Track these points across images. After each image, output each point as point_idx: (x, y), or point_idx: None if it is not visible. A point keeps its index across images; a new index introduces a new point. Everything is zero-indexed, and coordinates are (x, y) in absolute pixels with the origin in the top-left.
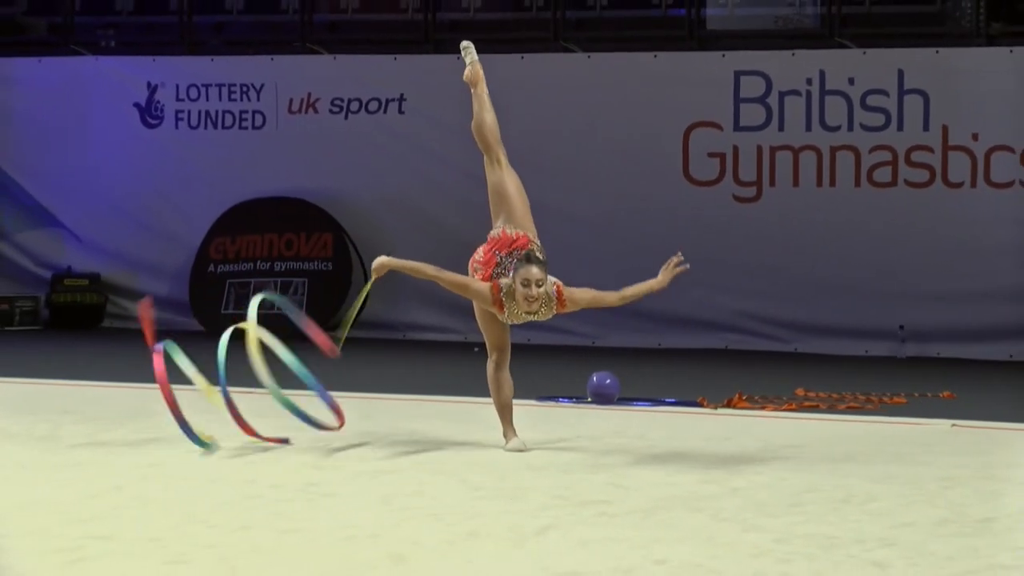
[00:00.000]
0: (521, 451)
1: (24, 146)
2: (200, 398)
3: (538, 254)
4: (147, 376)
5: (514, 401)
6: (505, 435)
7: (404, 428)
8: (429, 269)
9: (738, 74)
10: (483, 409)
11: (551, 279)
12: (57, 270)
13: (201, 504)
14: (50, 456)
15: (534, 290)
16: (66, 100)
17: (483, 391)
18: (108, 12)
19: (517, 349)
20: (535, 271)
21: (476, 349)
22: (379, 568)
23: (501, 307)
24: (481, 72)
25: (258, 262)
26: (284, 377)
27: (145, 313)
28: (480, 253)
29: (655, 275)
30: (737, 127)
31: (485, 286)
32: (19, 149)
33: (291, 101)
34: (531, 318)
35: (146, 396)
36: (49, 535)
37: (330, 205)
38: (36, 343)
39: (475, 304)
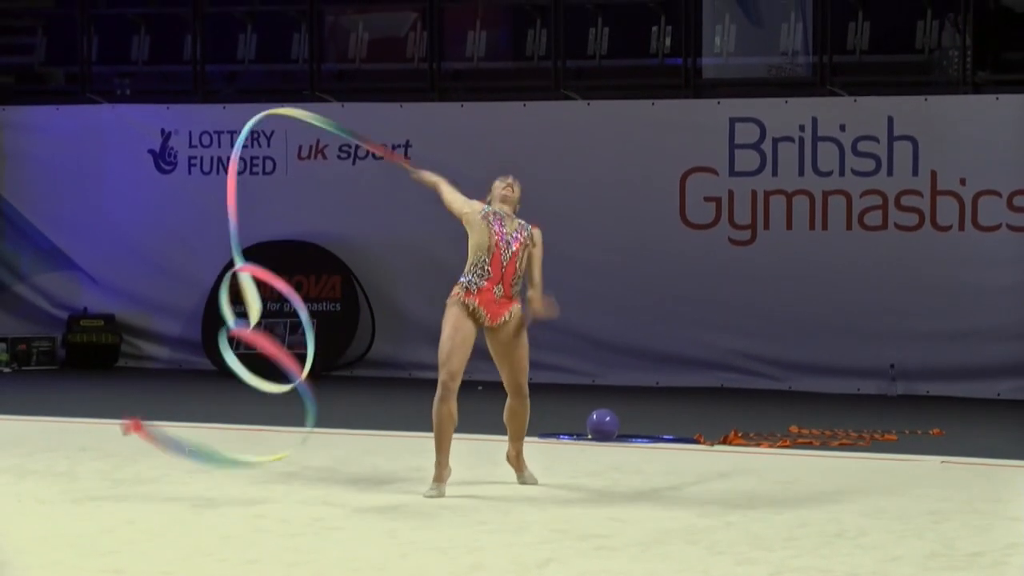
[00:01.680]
0: (436, 497)
1: (42, 191)
2: None
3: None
4: (161, 415)
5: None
6: (435, 475)
7: (408, 464)
8: (442, 186)
9: (733, 121)
10: (487, 446)
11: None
12: (73, 311)
13: (210, 538)
14: (67, 492)
15: (511, 191)
16: (83, 147)
17: (486, 428)
18: (123, 62)
19: None
20: (510, 178)
21: (480, 388)
22: None
23: (488, 223)
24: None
25: (268, 303)
26: None
27: None
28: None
29: (652, 315)
30: (732, 172)
31: (477, 204)
32: (37, 194)
33: (300, 147)
34: (509, 221)
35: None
36: (66, 568)
37: (338, 248)
38: (53, 382)
39: (446, 320)
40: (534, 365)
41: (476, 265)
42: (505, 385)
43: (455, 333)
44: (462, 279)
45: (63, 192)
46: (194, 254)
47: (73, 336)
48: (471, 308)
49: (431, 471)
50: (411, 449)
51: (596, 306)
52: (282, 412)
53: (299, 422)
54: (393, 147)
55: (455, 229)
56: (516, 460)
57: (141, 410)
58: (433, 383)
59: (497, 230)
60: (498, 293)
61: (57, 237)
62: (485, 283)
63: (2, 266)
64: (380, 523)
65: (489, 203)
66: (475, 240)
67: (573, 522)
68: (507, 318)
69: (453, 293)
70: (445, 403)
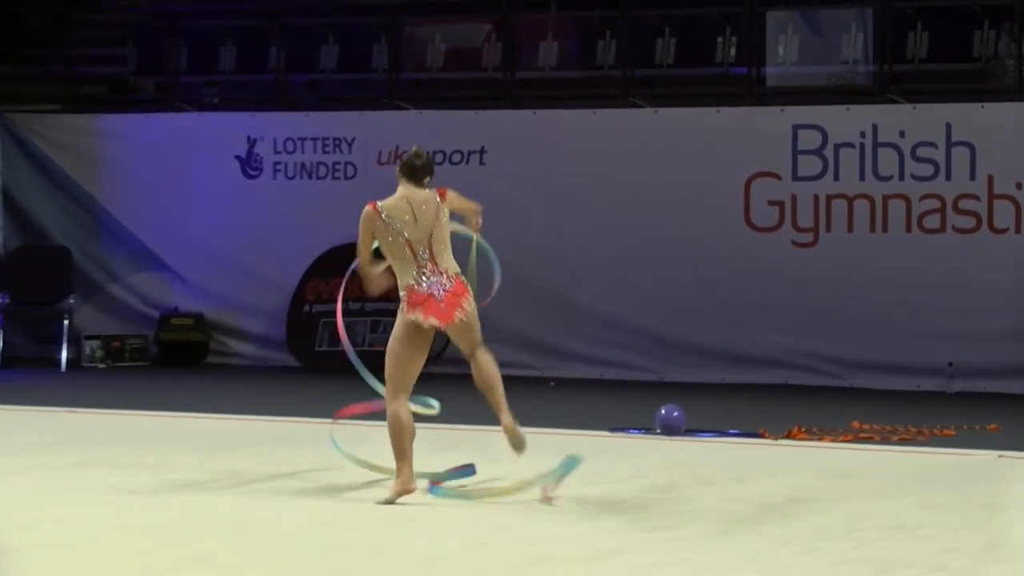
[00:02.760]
0: (389, 504)
1: (134, 196)
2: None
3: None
4: (248, 409)
5: (589, 432)
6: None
7: (485, 457)
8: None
9: (796, 127)
10: (557, 439)
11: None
12: (164, 310)
13: (295, 527)
14: (158, 483)
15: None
16: (172, 153)
17: (559, 423)
18: (211, 72)
19: (590, 384)
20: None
21: (552, 384)
22: None
23: (379, 214)
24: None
25: (350, 302)
26: None
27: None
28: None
29: (717, 315)
30: (795, 177)
31: (364, 210)
32: (129, 199)
33: (380, 153)
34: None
35: (247, 428)
36: (156, 556)
37: None
38: (145, 378)
39: (394, 334)
40: (604, 363)
41: (403, 273)
42: (465, 351)
43: (400, 350)
44: (414, 284)
45: (154, 196)
46: (278, 257)
47: (164, 334)
48: (419, 322)
49: (504, 463)
50: (486, 443)
51: (663, 306)
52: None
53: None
54: (468, 152)
55: (526, 234)
56: (513, 428)
57: (229, 404)
58: (507, 381)
59: (404, 235)
60: (438, 296)
61: (149, 239)
62: (422, 284)
63: (97, 267)
64: (457, 512)
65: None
66: (387, 251)
67: (641, 513)
68: (462, 317)
69: (401, 305)
70: (402, 414)
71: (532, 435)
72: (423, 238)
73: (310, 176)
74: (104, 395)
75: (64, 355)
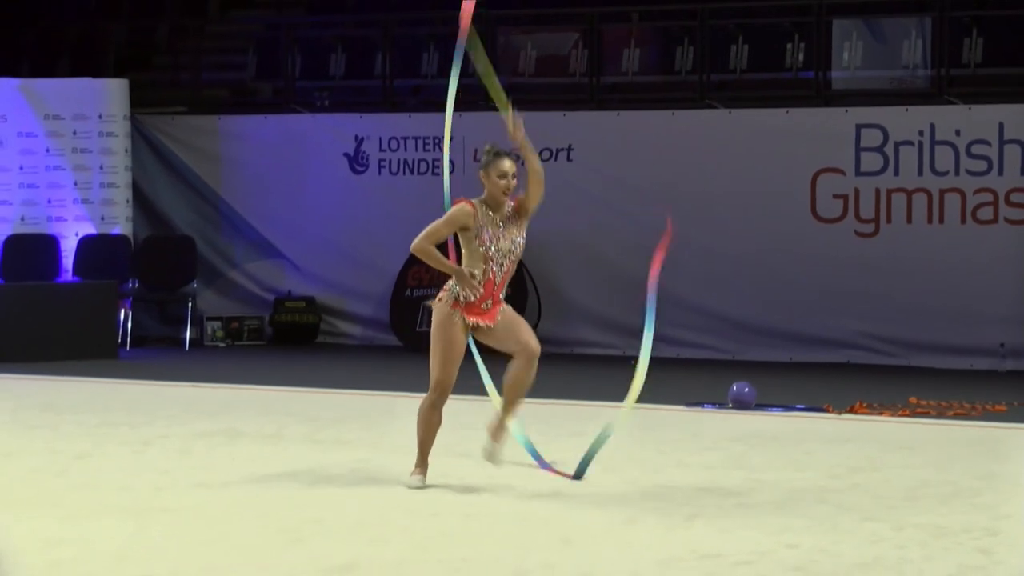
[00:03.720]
0: (419, 488)
1: (252, 190)
2: None
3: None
4: (355, 385)
5: (667, 407)
6: (417, 466)
7: (570, 429)
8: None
9: (859, 127)
10: (641, 414)
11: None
12: (279, 294)
13: (397, 493)
14: (276, 452)
15: (511, 181)
16: (287, 151)
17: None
18: (323, 77)
19: (665, 362)
20: (507, 163)
21: (632, 362)
22: (551, 548)
23: (476, 216)
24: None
25: (413, 289)
26: None
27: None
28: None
29: (786, 300)
30: (858, 172)
31: (459, 205)
32: (248, 193)
33: (476, 151)
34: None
35: (354, 401)
36: (273, 519)
37: None
38: (261, 356)
39: (438, 330)
40: (681, 343)
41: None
42: (514, 349)
43: (449, 348)
44: (456, 288)
45: (270, 191)
46: (382, 246)
47: (279, 316)
48: (461, 319)
49: (591, 435)
50: (572, 416)
51: (736, 292)
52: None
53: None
54: (557, 150)
55: (611, 225)
56: (500, 430)
57: (337, 380)
58: (593, 359)
59: (491, 250)
60: (485, 307)
61: (265, 230)
62: (475, 298)
63: (218, 255)
64: (547, 481)
65: (482, 200)
66: (467, 254)
67: (715, 482)
68: (499, 318)
69: (443, 298)
70: (437, 410)
71: (613, 408)
72: (504, 255)
73: (412, 172)
74: (224, 371)
75: (188, 335)
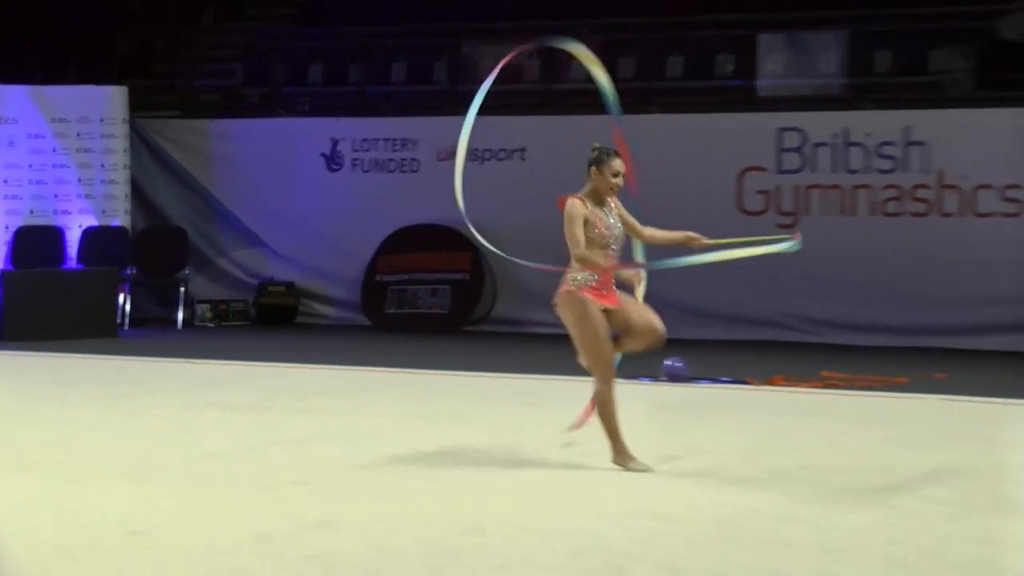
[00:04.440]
0: (647, 470)
1: (239, 186)
2: None
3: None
4: (330, 361)
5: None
6: (623, 454)
7: (525, 400)
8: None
9: (781, 130)
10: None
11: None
12: (262, 279)
13: (370, 456)
14: (260, 420)
15: (620, 180)
16: (271, 151)
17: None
18: (304, 84)
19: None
20: (619, 163)
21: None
22: (505, 504)
23: (588, 208)
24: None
25: (413, 273)
26: None
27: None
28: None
29: (714, 283)
30: (780, 171)
31: (572, 201)
32: (236, 189)
33: (438, 151)
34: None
35: (332, 375)
36: (258, 480)
37: (468, 231)
38: (246, 335)
39: (582, 318)
40: None
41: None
42: (642, 327)
43: (598, 329)
44: (580, 276)
45: (256, 187)
46: (355, 236)
47: (262, 299)
48: (594, 302)
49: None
50: (527, 390)
51: (671, 277)
52: (431, 358)
53: (446, 366)
54: (512, 151)
55: (559, 218)
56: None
57: (315, 356)
58: (543, 337)
59: (608, 238)
60: (605, 291)
61: (251, 221)
62: (595, 282)
63: (208, 244)
64: (500, 450)
65: (586, 194)
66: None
67: (651, 448)
68: (620, 299)
69: (574, 287)
70: (612, 392)
71: (560, 382)
72: (616, 240)
73: (382, 170)
74: (213, 349)
75: (180, 316)
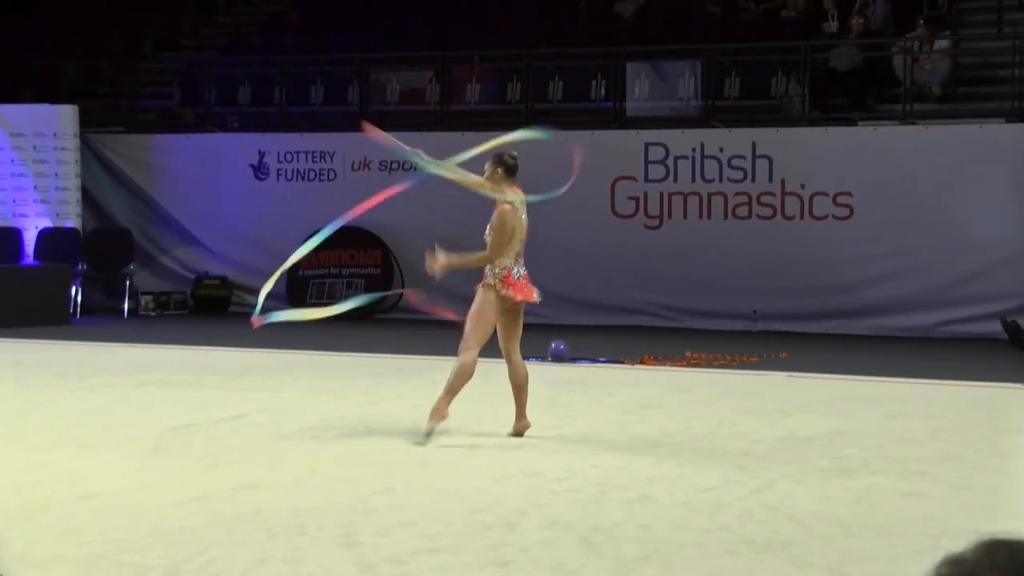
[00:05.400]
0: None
1: (178, 193)
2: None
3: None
4: (259, 344)
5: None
6: (438, 413)
7: (429, 378)
8: (471, 258)
9: (647, 144)
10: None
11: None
12: (199, 274)
13: (293, 427)
14: (197, 397)
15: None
16: (205, 163)
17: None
18: (233, 104)
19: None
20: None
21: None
22: (411, 469)
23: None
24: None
25: (331, 268)
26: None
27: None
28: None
29: (593, 277)
30: (647, 180)
31: (508, 208)
32: (174, 194)
33: (353, 162)
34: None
35: (260, 358)
36: (195, 449)
37: (379, 231)
38: (185, 323)
39: (489, 301)
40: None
41: (504, 256)
42: (506, 346)
43: (492, 322)
44: (512, 268)
45: (192, 193)
46: (280, 236)
47: (199, 291)
48: (512, 298)
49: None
50: (433, 368)
51: (556, 271)
52: (347, 343)
53: (359, 349)
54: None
55: (457, 214)
56: (522, 430)
57: (245, 341)
58: (443, 324)
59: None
60: (522, 274)
61: (188, 223)
62: (514, 271)
63: (150, 243)
64: (406, 421)
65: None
66: (512, 229)
67: (537, 419)
68: (537, 298)
69: (494, 282)
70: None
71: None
72: (524, 235)
73: (303, 179)
74: (155, 335)
75: (126, 306)
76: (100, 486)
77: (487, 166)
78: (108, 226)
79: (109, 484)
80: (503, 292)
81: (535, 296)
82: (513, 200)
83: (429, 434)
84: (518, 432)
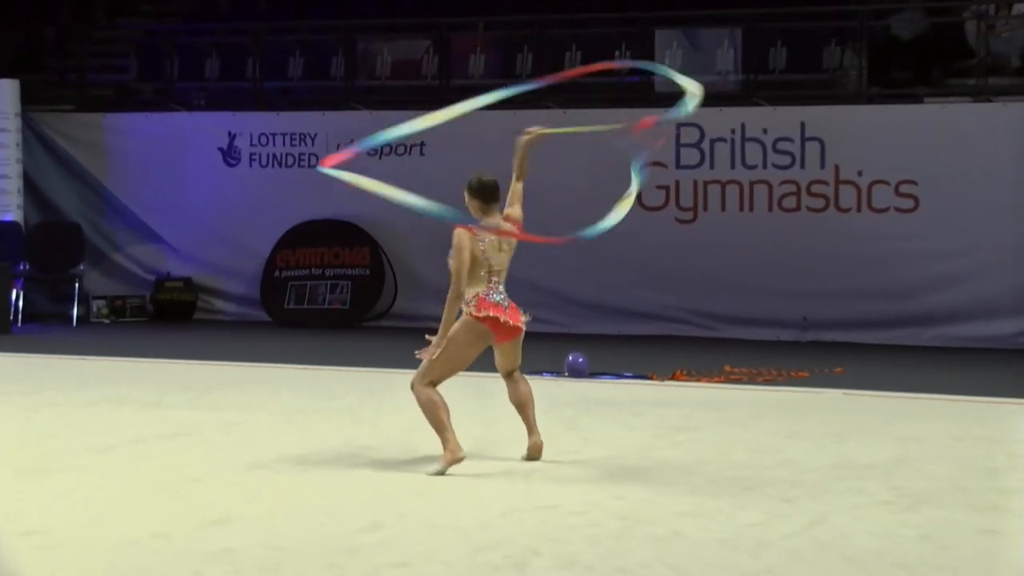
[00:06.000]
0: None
1: (135, 181)
2: None
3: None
4: (230, 357)
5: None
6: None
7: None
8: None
9: (679, 125)
10: (480, 381)
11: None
12: (159, 275)
13: (267, 452)
14: (157, 417)
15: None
16: (167, 146)
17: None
18: (199, 78)
19: None
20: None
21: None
22: (404, 500)
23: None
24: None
25: (312, 268)
26: None
27: None
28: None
29: (616, 278)
30: (678, 166)
31: (463, 232)
32: (131, 183)
33: (338, 146)
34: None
35: (230, 372)
36: (155, 478)
37: (368, 226)
38: (143, 331)
39: (462, 331)
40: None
41: (473, 285)
42: (505, 369)
43: (458, 356)
44: (486, 294)
45: (151, 181)
46: (253, 231)
47: (159, 295)
48: (495, 319)
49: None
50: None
51: (573, 272)
52: (330, 354)
53: (345, 362)
54: (411, 146)
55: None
56: (539, 447)
57: (213, 353)
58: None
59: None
60: (502, 299)
61: (146, 216)
62: (491, 295)
63: (103, 239)
64: (400, 444)
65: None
66: (468, 257)
67: (552, 443)
68: (525, 322)
69: (468, 310)
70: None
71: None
72: (502, 269)
73: (280, 165)
74: (109, 345)
75: (75, 312)
76: (44, 521)
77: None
78: (54, 220)
79: (55, 519)
80: (480, 314)
81: (521, 319)
82: (480, 223)
83: (441, 473)
84: (533, 454)
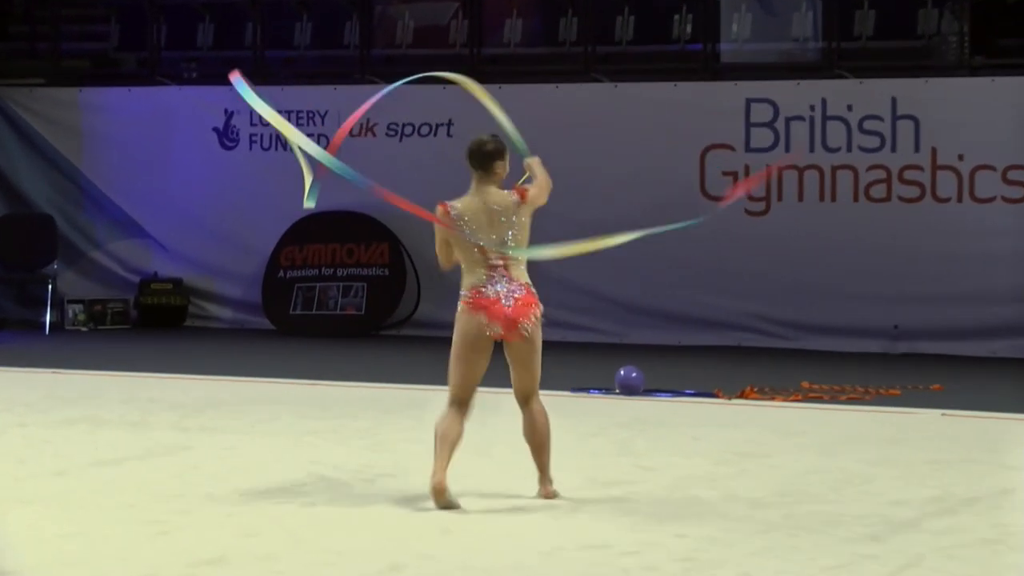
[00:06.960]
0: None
1: (116, 167)
2: None
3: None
4: (226, 371)
5: (551, 392)
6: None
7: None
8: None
9: (749, 101)
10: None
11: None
12: (144, 275)
13: (268, 483)
14: (141, 440)
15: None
16: (153, 126)
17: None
18: (190, 47)
19: (549, 346)
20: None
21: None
22: (429, 539)
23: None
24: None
25: (323, 268)
26: None
27: None
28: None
29: (674, 280)
30: (748, 149)
31: (437, 209)
32: (111, 169)
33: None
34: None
35: (225, 387)
36: (138, 511)
37: (387, 218)
38: (126, 340)
39: (458, 335)
40: (567, 326)
41: (470, 272)
42: (519, 391)
43: (465, 363)
44: (483, 286)
45: (135, 167)
46: (254, 225)
47: (144, 298)
48: (482, 324)
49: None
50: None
51: (624, 273)
52: (343, 368)
53: (360, 377)
54: (437, 125)
55: None
56: (551, 496)
57: (207, 366)
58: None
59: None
60: (504, 293)
61: (130, 208)
62: (487, 288)
63: (80, 235)
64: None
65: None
66: (456, 247)
67: (601, 470)
68: (525, 328)
69: (462, 305)
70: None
71: (493, 393)
72: (498, 244)
73: (285, 147)
74: (86, 357)
75: (48, 318)
76: (12, 561)
77: None
78: (23, 211)
79: (25, 557)
80: (469, 316)
81: (531, 316)
82: (458, 203)
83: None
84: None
